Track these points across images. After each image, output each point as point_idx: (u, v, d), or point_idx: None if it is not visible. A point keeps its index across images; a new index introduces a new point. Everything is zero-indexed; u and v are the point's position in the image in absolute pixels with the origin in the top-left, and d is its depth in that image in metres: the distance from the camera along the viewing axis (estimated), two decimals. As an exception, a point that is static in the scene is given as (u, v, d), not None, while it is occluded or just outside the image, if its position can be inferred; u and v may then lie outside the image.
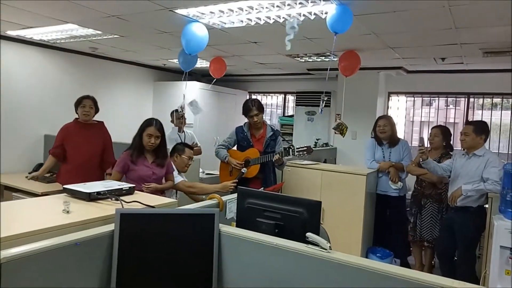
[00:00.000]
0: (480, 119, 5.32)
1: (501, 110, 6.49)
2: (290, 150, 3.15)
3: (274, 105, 8.50)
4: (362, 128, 5.47)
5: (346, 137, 5.80)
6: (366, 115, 5.52)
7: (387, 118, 4.06)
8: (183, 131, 4.83)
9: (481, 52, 4.04)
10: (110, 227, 1.41)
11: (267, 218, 1.67)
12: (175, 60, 5.60)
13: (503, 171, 2.74)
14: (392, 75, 5.97)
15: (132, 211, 1.52)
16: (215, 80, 5.36)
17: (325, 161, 5.17)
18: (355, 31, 3.54)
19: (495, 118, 6.71)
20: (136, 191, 2.00)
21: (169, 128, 4.96)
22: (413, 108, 8.75)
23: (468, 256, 3.25)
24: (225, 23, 3.64)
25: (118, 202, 1.73)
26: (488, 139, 3.37)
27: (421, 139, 3.34)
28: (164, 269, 1.43)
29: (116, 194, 1.81)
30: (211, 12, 3.35)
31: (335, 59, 4.87)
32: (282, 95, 7.75)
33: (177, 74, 6.46)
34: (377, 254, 3.61)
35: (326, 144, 6.08)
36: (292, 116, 7.03)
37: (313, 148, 5.75)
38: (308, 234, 1.42)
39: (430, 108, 8.98)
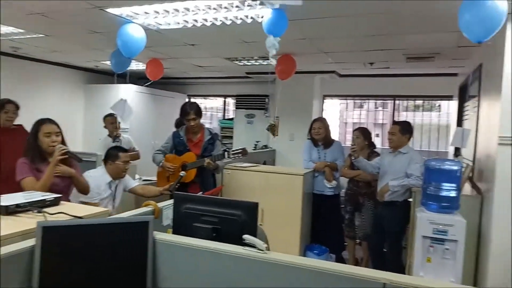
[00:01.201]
0: (405, 119, 5.74)
1: (423, 111, 7.09)
2: (226, 153, 3.14)
3: (214, 109, 8.48)
4: (299, 130, 5.63)
5: (284, 139, 5.98)
6: (303, 117, 5.70)
7: (321, 121, 4.24)
8: (118, 136, 4.62)
9: (405, 58, 4.37)
10: (30, 242, 1.30)
11: (204, 222, 1.64)
12: (108, 62, 5.35)
13: (424, 167, 2.97)
14: (326, 79, 6.24)
15: (55, 224, 1.41)
16: (150, 82, 5.20)
17: (264, 163, 5.25)
18: (290, 36, 3.65)
19: (418, 119, 7.32)
20: (62, 202, 1.86)
21: (103, 134, 4.72)
22: (346, 110, 9.24)
23: (395, 247, 3.50)
24: (161, 24, 3.55)
25: (41, 214, 1.59)
26: (412, 137, 3.65)
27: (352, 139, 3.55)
28: (93, 285, 1.34)
29: (38, 206, 1.66)
30: (146, 13, 3.25)
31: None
32: (222, 98, 7.75)
33: (110, 77, 6.16)
34: (314, 251, 3.73)
35: (266, 146, 6.18)
36: (232, 119, 7.05)
37: (253, 150, 5.88)
38: (245, 236, 1.42)
39: (361, 110, 9.55)
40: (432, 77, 5.56)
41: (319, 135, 4.10)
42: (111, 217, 1.69)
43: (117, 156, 3.11)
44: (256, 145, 6.12)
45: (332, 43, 4.05)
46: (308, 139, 4.25)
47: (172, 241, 1.48)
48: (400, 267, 3.43)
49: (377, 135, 8.55)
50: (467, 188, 3.38)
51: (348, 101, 7.26)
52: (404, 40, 3.74)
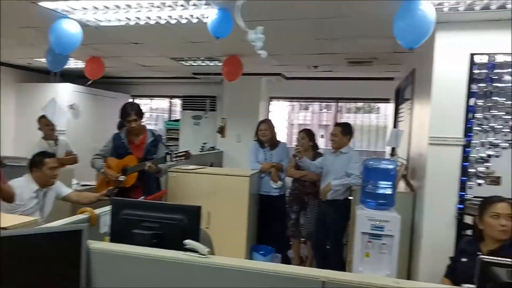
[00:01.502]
0: (346, 121, 5.98)
1: (363, 113, 7.44)
2: (168, 156, 3.06)
3: (160, 110, 8.27)
4: (246, 131, 5.66)
5: (232, 140, 5.98)
6: (250, 118, 5.73)
7: (267, 122, 4.29)
8: (55, 139, 4.33)
9: (346, 62, 4.56)
10: None
11: (144, 228, 1.58)
12: (43, 59, 4.99)
13: (363, 166, 3.12)
14: (273, 81, 6.33)
15: (-26, 236, 1.28)
16: (90, 82, 4.95)
17: (211, 165, 5.21)
18: (236, 37, 3.64)
19: (359, 120, 7.68)
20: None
21: (37, 137, 4.40)
22: (293, 112, 9.45)
23: (337, 244, 3.65)
24: (101, 21, 3.38)
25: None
26: (352, 138, 3.82)
27: (297, 140, 3.63)
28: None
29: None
30: (84, 8, 3.07)
31: (219, 63, 4.96)
32: (168, 99, 7.57)
33: (46, 75, 5.77)
34: (260, 252, 3.77)
35: (213, 148, 6.14)
36: (178, 120, 6.91)
37: (200, 152, 5.81)
38: (186, 241, 1.39)
39: (307, 112, 9.83)
40: (371, 81, 5.86)
41: (265, 137, 4.15)
42: (40, 227, 1.57)
43: (42, 163, 2.88)
44: (203, 146, 6.05)
45: (278, 45, 4.12)
46: (255, 140, 4.28)
47: (108, 250, 1.41)
48: (342, 263, 3.57)
49: (322, 136, 8.83)
50: (401, 185, 3.61)
51: (295, 103, 7.44)
52: (346, 45, 3.90)
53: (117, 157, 3.24)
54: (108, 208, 1.82)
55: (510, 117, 2.69)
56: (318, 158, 3.94)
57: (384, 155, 6.22)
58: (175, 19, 3.22)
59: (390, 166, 2.96)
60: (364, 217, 2.87)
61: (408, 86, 3.99)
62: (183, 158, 3.07)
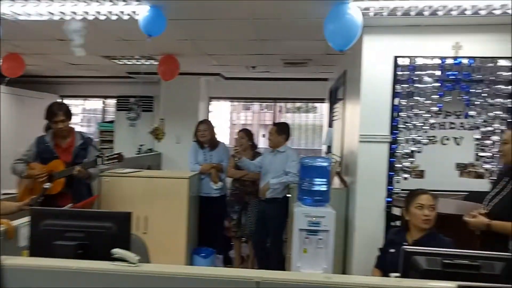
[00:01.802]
0: (286, 120, 6.12)
1: (302, 113, 7.66)
2: (99, 159, 2.88)
3: (93, 111, 7.83)
4: (185, 132, 5.55)
5: (171, 142, 5.82)
6: (189, 119, 5.62)
7: (206, 123, 4.24)
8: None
9: (282, 63, 4.65)
10: None
11: (68, 239, 1.47)
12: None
13: (299, 164, 3.20)
14: (212, 81, 6.28)
15: None
16: (7, 80, 4.52)
17: (149, 168, 5.03)
18: (171, 36, 3.56)
19: (299, 120, 7.90)
20: None
21: None
22: (235, 112, 9.47)
23: (277, 242, 3.71)
24: (19, 14, 3.10)
25: None
26: (291, 136, 3.90)
27: (236, 140, 3.62)
28: None
29: None
30: (-2, 0, 2.80)
31: (155, 63, 4.80)
32: (102, 100, 7.19)
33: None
34: (201, 254, 3.72)
35: (151, 150, 5.93)
36: (112, 121, 6.58)
37: (136, 155, 5.59)
38: (114, 250, 1.31)
39: (248, 112, 9.91)
40: (307, 81, 6.05)
41: (205, 137, 4.09)
42: None
43: None
44: (140, 149, 5.83)
45: (215, 45, 4.09)
46: (194, 141, 4.21)
47: (24, 265, 1.28)
48: (282, 260, 3.64)
49: (264, 136, 8.96)
50: (336, 181, 3.76)
51: (236, 103, 7.45)
52: (281, 46, 3.97)
53: (42, 162, 2.98)
54: (27, 218, 1.67)
55: (429, 115, 2.93)
56: (257, 157, 3.97)
57: (321, 153, 6.47)
58: (104, 15, 3.05)
59: (325, 164, 3.07)
60: (301, 214, 2.94)
61: (340, 87, 4.17)
62: (115, 161, 2.91)
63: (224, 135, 7.59)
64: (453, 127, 3.10)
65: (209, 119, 5.01)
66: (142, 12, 2.82)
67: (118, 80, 6.47)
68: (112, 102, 6.95)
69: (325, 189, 3.04)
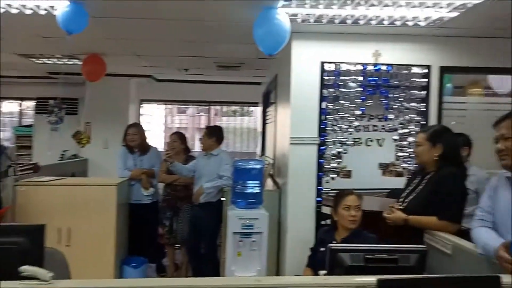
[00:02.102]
0: (221, 124, 6.10)
1: (237, 116, 7.69)
2: (11, 169, 2.61)
3: (8, 114, 7.12)
4: (114, 136, 5.26)
5: (98, 147, 5.49)
6: (117, 123, 5.33)
7: (136, 126, 4.07)
8: None
9: (215, 66, 4.63)
10: None
11: (-34, 259, 1.29)
12: None
13: (233, 167, 3.20)
14: (143, 83, 6.05)
15: None
16: None
17: (73, 175, 4.69)
18: (95, 34, 3.35)
19: (236, 123, 7.92)
20: None
21: None
22: (170, 115, 9.23)
23: (212, 247, 3.66)
24: None
25: None
26: (224, 140, 3.88)
27: (168, 144, 3.51)
28: None
29: None
30: None
31: (79, 62, 4.50)
32: (18, 102, 6.57)
33: None
34: (132, 264, 3.54)
35: (75, 156, 5.53)
36: (31, 125, 6.04)
37: (59, 161, 5.18)
38: (22, 268, 1.18)
39: (184, 115, 9.71)
40: (241, 85, 6.09)
41: (134, 142, 3.92)
42: None
43: None
44: (63, 155, 5.41)
45: (144, 46, 3.93)
46: (123, 146, 4.01)
47: None
48: (217, 265, 3.59)
49: (200, 139, 8.86)
50: (270, 183, 3.82)
51: (171, 106, 7.26)
52: (214, 49, 3.94)
53: None
54: None
55: (354, 118, 3.10)
56: (190, 161, 3.89)
57: (256, 155, 6.54)
58: (17, 8, 2.78)
59: (258, 166, 3.10)
60: (234, 217, 2.94)
61: (272, 91, 4.26)
62: (30, 171, 2.65)
63: (158, 139, 7.35)
64: (376, 130, 3.31)
65: (140, 123, 4.81)
66: (61, 7, 2.61)
67: (37, 81, 5.96)
68: (30, 104, 6.37)
69: (258, 191, 3.07)
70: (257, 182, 3.05)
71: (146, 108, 6.68)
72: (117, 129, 5.20)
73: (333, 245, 1.60)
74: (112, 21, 3.12)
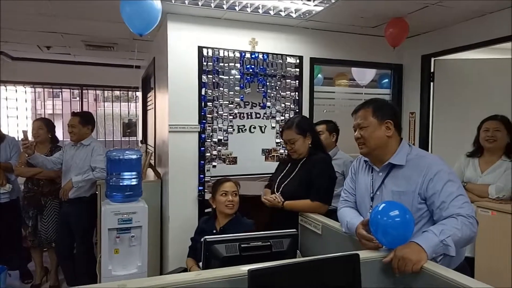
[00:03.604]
0: (102, 110, 5.55)
1: (122, 102, 7.08)
2: None
3: None
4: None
5: None
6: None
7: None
8: None
9: (84, 45, 4.13)
10: None
11: None
12: None
13: (107, 158, 2.91)
14: (-6, 60, 5.10)
15: None
16: None
17: None
18: None
19: (118, 109, 7.28)
20: None
21: None
22: (39, 100, 8.02)
23: (86, 246, 3.34)
24: None
25: None
26: (95, 128, 3.54)
27: (24, 133, 3.00)
28: None
29: None
30: None
31: None
32: None
33: None
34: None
35: None
36: None
37: None
38: None
39: (56, 100, 8.54)
40: (119, 68, 5.62)
41: (-18, 131, 3.29)
42: None
43: None
44: None
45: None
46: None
47: None
48: (93, 265, 3.28)
49: (69, 127, 7.94)
50: (151, 174, 3.63)
51: (41, 89, 6.27)
52: (81, 26, 3.50)
53: None
54: None
55: (233, 106, 3.10)
56: (56, 151, 3.44)
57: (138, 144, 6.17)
58: None
59: (134, 156, 2.88)
60: (109, 212, 2.70)
61: (152, 75, 4.01)
62: None
63: (26, 127, 6.31)
64: (259, 117, 3.40)
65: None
66: None
67: None
68: None
69: (135, 183, 2.86)
70: (134, 173, 2.84)
71: (7, 92, 5.67)
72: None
73: (208, 237, 1.56)
74: None
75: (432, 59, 3.50)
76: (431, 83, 3.52)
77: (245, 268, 1.21)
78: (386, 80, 4.12)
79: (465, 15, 2.98)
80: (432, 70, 3.51)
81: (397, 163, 1.60)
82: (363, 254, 1.42)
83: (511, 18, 2.76)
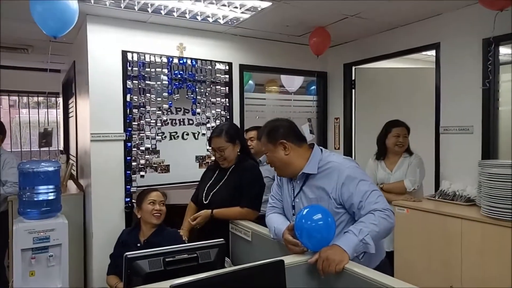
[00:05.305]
0: (20, 117, 5.04)
1: (42, 109, 6.52)
2: None
3: None
4: None
5: None
6: None
7: None
8: None
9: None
10: None
11: None
12: None
13: (19, 171, 2.64)
14: None
15: None
16: None
17: None
18: None
19: (37, 117, 6.66)
20: None
21: None
22: None
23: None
24: None
25: None
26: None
27: None
28: None
29: None
30: None
31: None
32: None
33: None
34: None
35: None
36: None
37: None
38: None
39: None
40: (35, 71, 5.15)
41: None
42: None
43: None
44: None
45: None
46: None
47: None
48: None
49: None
50: (73, 186, 3.37)
51: None
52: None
53: None
54: None
55: (161, 112, 2.99)
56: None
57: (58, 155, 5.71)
58: None
59: (51, 168, 2.64)
60: (23, 231, 2.44)
61: (72, 80, 3.74)
62: None
63: None
64: (192, 123, 3.33)
65: None
66: None
67: None
68: None
69: (53, 197, 2.63)
70: (51, 186, 2.61)
71: None
72: None
73: (129, 254, 1.46)
74: None
75: (353, 68, 3.72)
76: (353, 90, 3.73)
77: (167, 285, 1.15)
78: (314, 87, 4.28)
79: (380, 27, 3.21)
80: (353, 78, 3.73)
81: (310, 172, 1.66)
82: (290, 259, 1.43)
83: (419, 31, 3.03)
